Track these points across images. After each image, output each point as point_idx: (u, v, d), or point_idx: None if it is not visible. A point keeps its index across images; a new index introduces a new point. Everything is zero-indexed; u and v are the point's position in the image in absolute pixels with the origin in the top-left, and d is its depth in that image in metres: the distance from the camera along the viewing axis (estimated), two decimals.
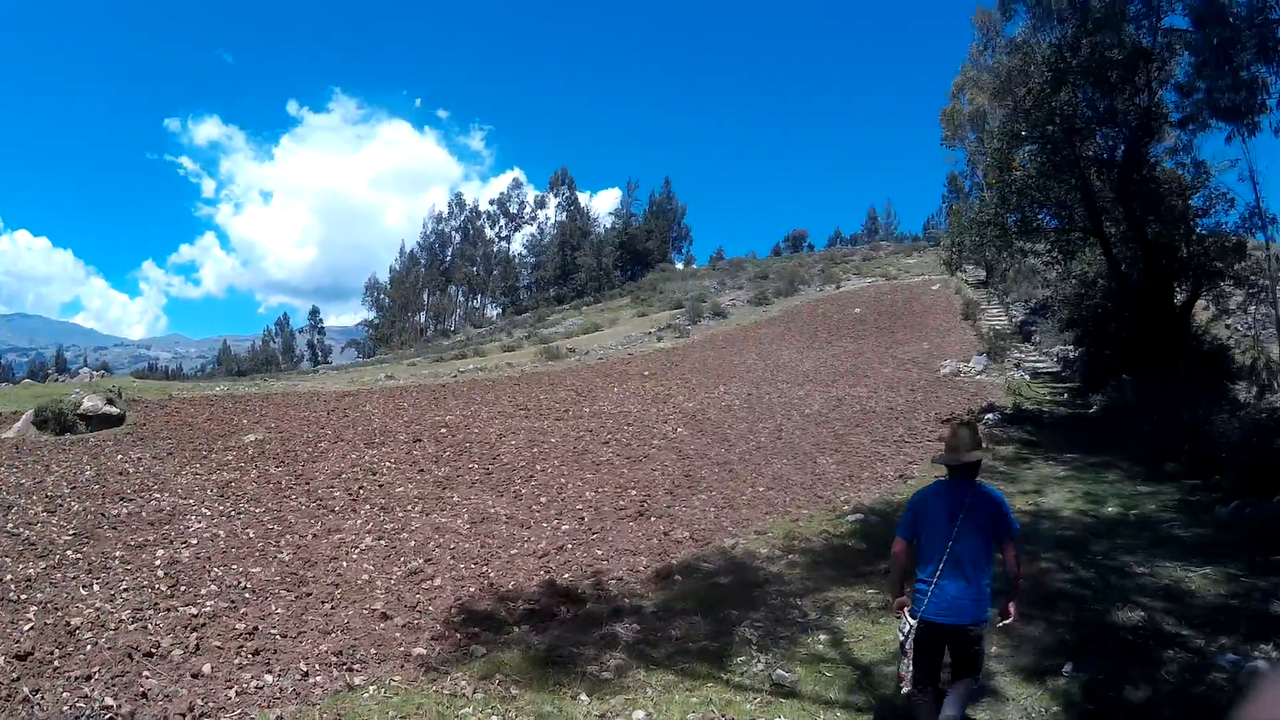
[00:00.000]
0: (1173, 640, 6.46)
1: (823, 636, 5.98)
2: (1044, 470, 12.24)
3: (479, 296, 72.96)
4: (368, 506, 9.31)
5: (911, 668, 3.70)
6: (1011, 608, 3.88)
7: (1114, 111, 14.92)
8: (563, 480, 10.67)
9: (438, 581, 7.10)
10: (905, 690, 3.76)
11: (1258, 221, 15.45)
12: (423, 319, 71.93)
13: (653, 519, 9.06)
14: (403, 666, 5.37)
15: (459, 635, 5.91)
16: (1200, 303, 16.96)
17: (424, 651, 5.61)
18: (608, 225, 66.91)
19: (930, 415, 15.37)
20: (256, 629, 5.87)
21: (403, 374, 23.05)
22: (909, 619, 3.75)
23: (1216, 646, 6.25)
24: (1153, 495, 10.77)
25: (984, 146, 17.59)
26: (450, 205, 77.22)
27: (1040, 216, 16.44)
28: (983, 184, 17.40)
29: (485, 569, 7.44)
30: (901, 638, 3.78)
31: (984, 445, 4.59)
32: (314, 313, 78.64)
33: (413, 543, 8.14)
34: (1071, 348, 21.61)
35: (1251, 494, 9.72)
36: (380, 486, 10.04)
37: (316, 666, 5.30)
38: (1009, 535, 3.79)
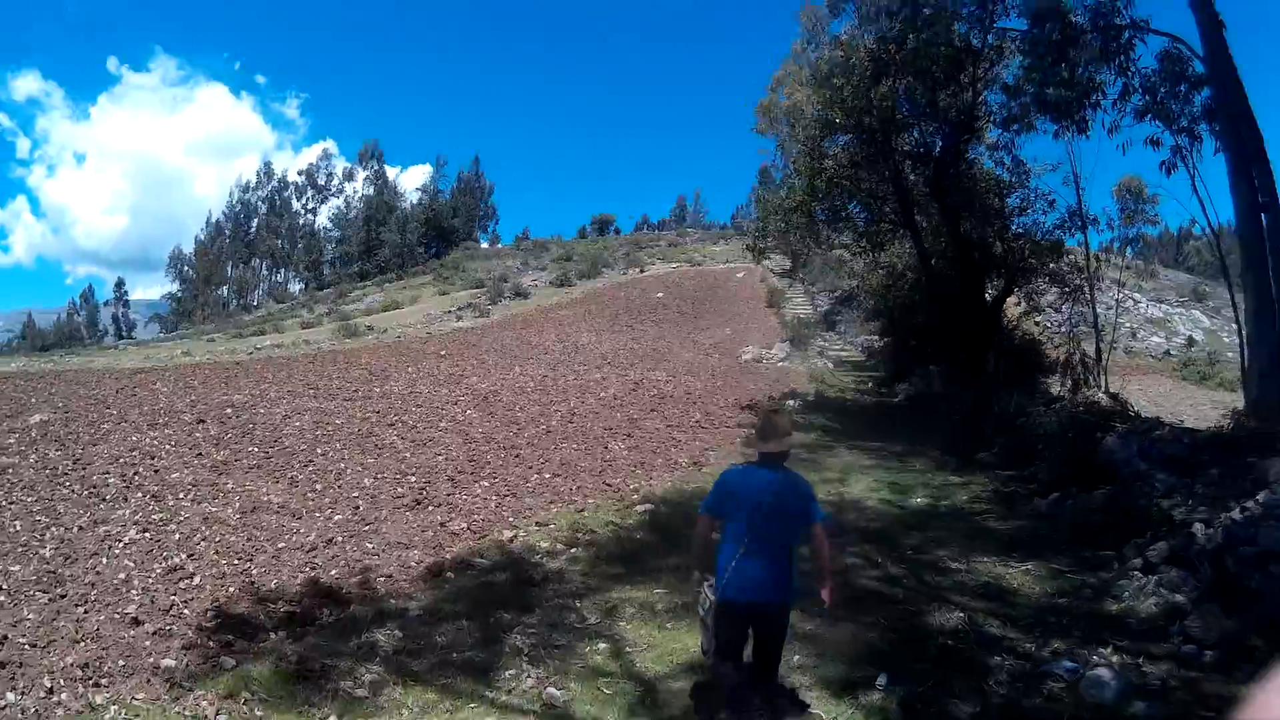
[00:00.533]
0: (999, 645, 6.69)
1: (603, 646, 6.45)
2: (848, 458, 13.77)
3: (283, 271, 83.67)
4: (139, 494, 10.10)
5: (714, 642, 4.47)
6: (825, 592, 4.60)
7: (935, 107, 17.55)
8: (342, 465, 11.91)
9: (197, 580, 7.74)
10: (710, 663, 4.63)
11: (1077, 222, 18.62)
12: (226, 293, 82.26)
13: (430, 508, 10.16)
14: (149, 681, 5.81)
15: (211, 644, 6.37)
16: (1013, 298, 20.08)
17: (172, 663, 6.08)
18: (414, 201, 77.39)
19: (729, 401, 17.72)
20: (6, 638, 6.24)
21: (200, 350, 26.14)
22: (709, 595, 4.50)
23: (1049, 652, 6.54)
24: (964, 486, 12.05)
25: (795, 133, 20.32)
26: (259, 174, 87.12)
27: (850, 207, 19.34)
28: (793, 172, 20.38)
29: (249, 565, 8.15)
30: (702, 613, 4.63)
31: (793, 432, 5.25)
32: (119, 285, 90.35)
33: (178, 535, 8.83)
34: (877, 338, 25.25)
35: (1070, 485, 10.92)
36: (156, 472, 10.96)
37: (62, 682, 5.71)
38: (817, 520, 4.48)
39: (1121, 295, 23.05)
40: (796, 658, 6.00)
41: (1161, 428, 11.99)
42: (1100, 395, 14.97)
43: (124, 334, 78.69)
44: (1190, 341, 40.41)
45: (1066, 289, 18.57)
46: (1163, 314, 45.82)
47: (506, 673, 5.99)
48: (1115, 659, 6.32)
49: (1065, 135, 15.68)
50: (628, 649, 6.37)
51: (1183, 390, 31.52)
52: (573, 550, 8.76)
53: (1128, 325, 36.10)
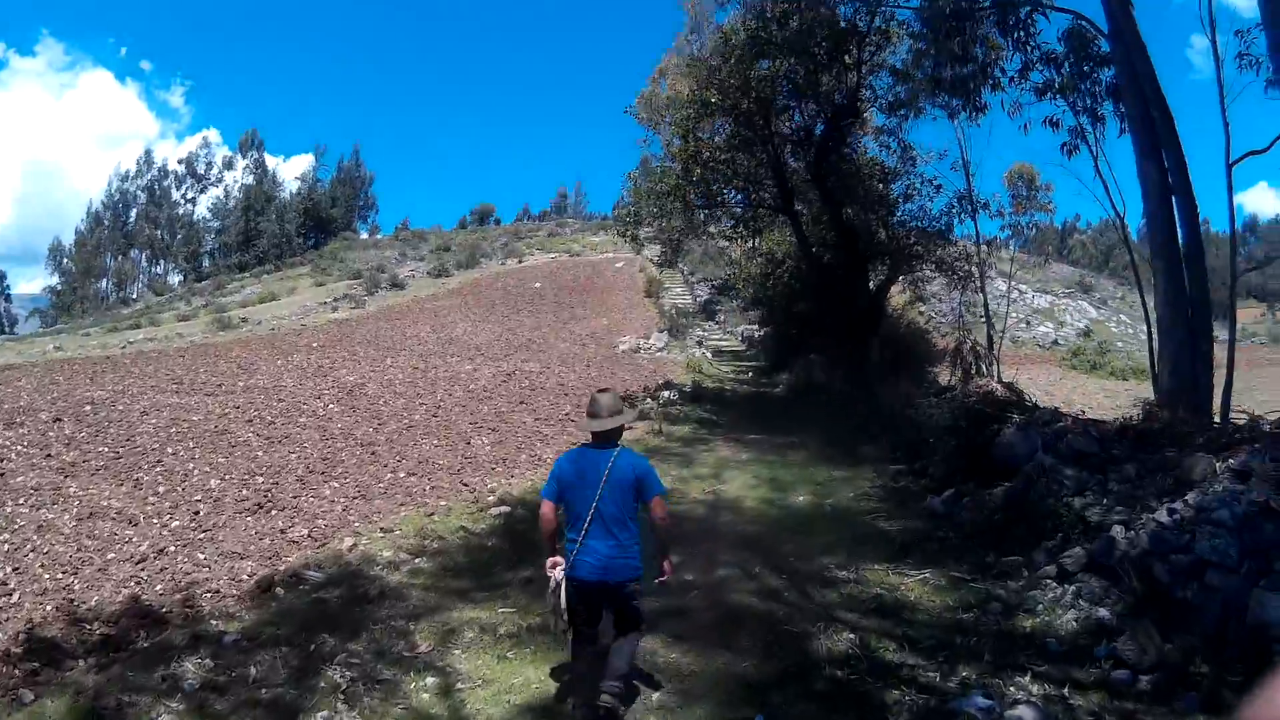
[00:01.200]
0: (898, 674, 5.66)
1: (431, 680, 5.74)
2: (724, 453, 13.18)
3: (162, 262, 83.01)
4: None
5: (566, 623, 4.64)
6: (666, 565, 4.85)
7: (817, 90, 17.23)
8: (191, 465, 11.55)
9: (16, 597, 7.39)
10: (567, 645, 4.85)
11: (966, 207, 18.32)
12: (105, 285, 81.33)
13: (274, 512, 9.80)
14: None
15: (16, 673, 5.88)
16: (897, 287, 20.05)
17: None
18: (294, 191, 77.79)
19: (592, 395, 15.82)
20: None
21: (73, 345, 26.43)
22: (558, 576, 4.62)
23: (957, 682, 5.50)
24: (849, 481, 11.32)
25: (672, 114, 19.49)
26: (139, 163, 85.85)
27: (727, 193, 18.87)
28: (668, 156, 19.62)
29: (73, 580, 7.70)
30: (551, 595, 4.73)
31: (626, 409, 5.16)
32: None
33: (7, 546, 8.42)
34: (756, 327, 25.30)
35: (966, 482, 10.12)
36: (1, 476, 10.57)
37: None
38: (654, 493, 4.66)
39: (1009, 285, 22.89)
40: (658, 696, 5.35)
41: (1063, 419, 11.14)
42: (994, 385, 14.24)
43: (4, 329, 75.97)
44: (1088, 331, 41.62)
45: (955, 276, 18.30)
46: (1049, 304, 47.23)
47: (317, 716, 5.30)
48: (1036, 689, 5.37)
49: (962, 116, 15.04)
50: (459, 685, 5.74)
51: (1072, 379, 32.32)
52: (417, 560, 8.17)
53: (1015, 315, 36.90)
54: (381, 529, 9.01)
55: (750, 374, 22.63)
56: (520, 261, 46.41)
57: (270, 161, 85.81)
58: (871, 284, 18.41)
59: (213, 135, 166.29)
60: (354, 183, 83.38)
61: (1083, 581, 6.88)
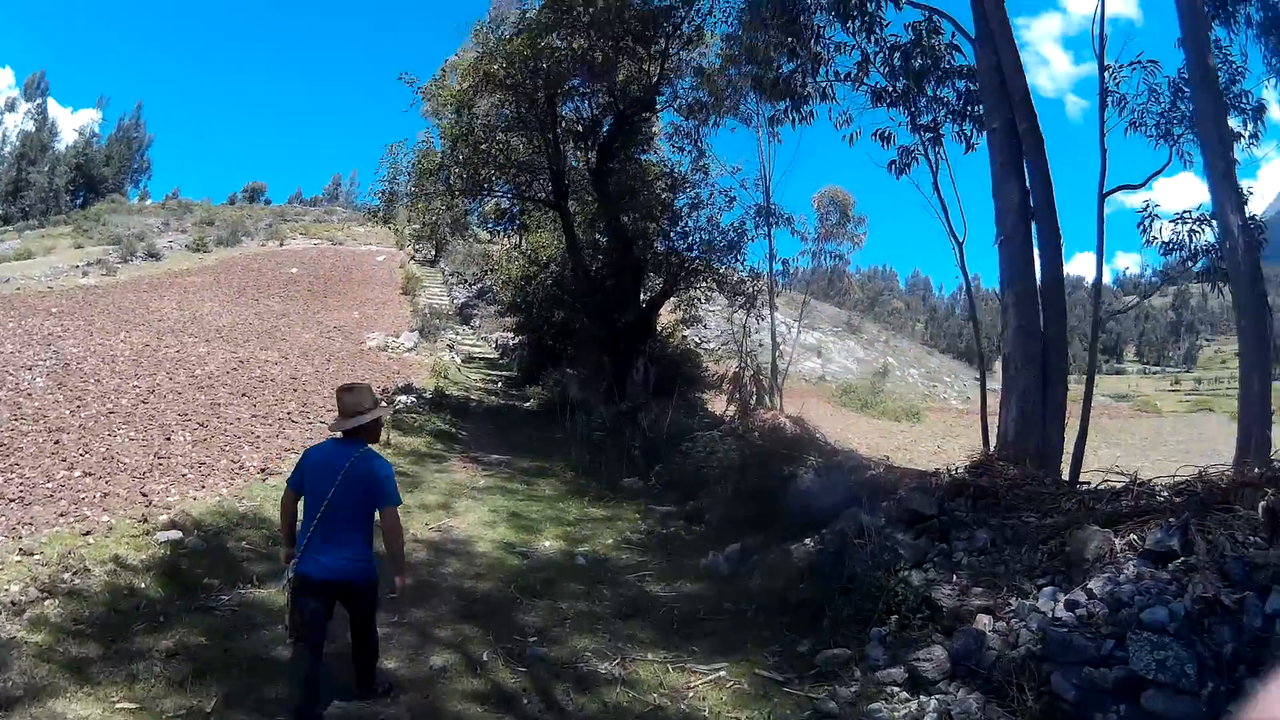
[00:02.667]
0: None
1: None
2: (460, 475, 11.34)
3: None
4: None
5: (292, 615, 4.42)
6: (398, 581, 4.63)
7: (614, 77, 15.74)
8: None
9: None
10: (287, 640, 4.63)
11: (762, 223, 17.30)
12: None
13: None
14: None
15: None
16: (670, 304, 18.54)
17: None
18: (70, 143, 73.66)
19: (336, 391, 13.80)
20: None
21: None
22: (290, 570, 4.45)
23: None
24: (608, 523, 9.30)
25: (441, 86, 17.02)
26: None
27: (497, 180, 17.23)
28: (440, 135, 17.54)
29: None
30: (284, 590, 4.57)
31: (378, 406, 4.98)
32: None
33: None
34: (512, 334, 24.15)
35: (754, 534, 8.24)
36: None
37: None
38: (386, 503, 4.50)
39: (777, 318, 22.08)
40: None
41: (873, 466, 9.38)
42: (781, 418, 12.58)
43: None
44: (885, 371, 42.33)
45: (739, 297, 16.95)
46: (816, 340, 48.41)
47: None
48: None
49: (765, 126, 13.31)
50: None
51: (843, 416, 32.30)
52: (46, 604, 6.01)
53: (786, 348, 37.23)
54: (21, 550, 6.98)
55: (501, 384, 21.24)
56: (281, 244, 45.82)
57: (55, 110, 79.32)
58: (643, 297, 16.85)
59: (5, 74, 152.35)
60: (131, 143, 79.37)
61: (948, 693, 4.94)
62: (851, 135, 12.00)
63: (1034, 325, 8.22)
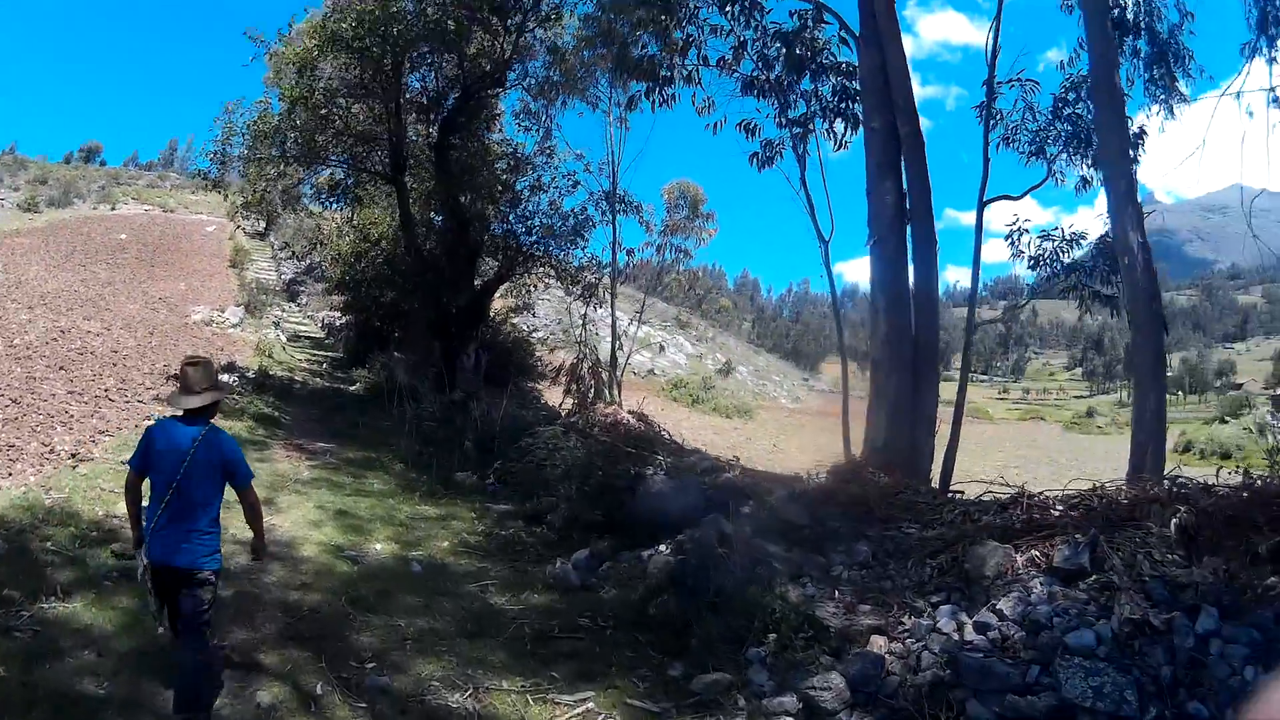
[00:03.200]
0: None
1: None
2: (283, 465, 10.18)
3: None
4: None
5: (155, 605, 4.26)
6: (260, 543, 4.59)
7: (465, 49, 14.92)
8: None
9: None
10: (160, 630, 4.44)
11: (606, 209, 16.42)
12: None
13: None
14: None
15: None
16: (502, 290, 17.74)
17: None
18: None
19: (156, 367, 15.34)
20: None
21: None
22: (143, 558, 4.26)
23: None
24: (443, 522, 8.36)
25: (287, 43, 15.52)
26: None
27: (335, 152, 16.17)
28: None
29: None
30: (139, 578, 4.34)
31: (219, 383, 5.03)
32: None
33: None
34: (340, 314, 22.98)
35: (599, 537, 7.61)
36: None
37: None
38: (245, 481, 4.38)
39: (610, 311, 21.38)
40: None
41: (729, 468, 8.80)
42: (623, 414, 11.82)
43: None
44: (728, 366, 41.98)
45: (577, 286, 16.13)
46: (644, 334, 47.50)
47: None
48: None
49: (616, 110, 12.65)
50: None
51: (675, 411, 31.72)
52: None
53: (625, 340, 36.82)
54: None
55: (326, 366, 19.76)
56: (113, 208, 44.56)
57: None
58: (478, 281, 16.01)
59: None
60: None
61: None
62: (716, 124, 11.58)
63: (906, 330, 8.01)
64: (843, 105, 10.82)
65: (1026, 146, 10.22)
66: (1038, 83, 10.08)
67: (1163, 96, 10.50)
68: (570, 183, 15.97)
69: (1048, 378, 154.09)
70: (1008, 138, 10.23)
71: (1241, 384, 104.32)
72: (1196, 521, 4.73)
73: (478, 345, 15.33)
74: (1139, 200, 7.69)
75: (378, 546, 6.99)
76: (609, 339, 18.43)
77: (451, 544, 7.49)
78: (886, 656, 4.68)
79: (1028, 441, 43.49)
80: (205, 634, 4.28)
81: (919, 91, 10.11)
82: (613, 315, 15.80)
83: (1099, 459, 31.73)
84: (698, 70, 11.38)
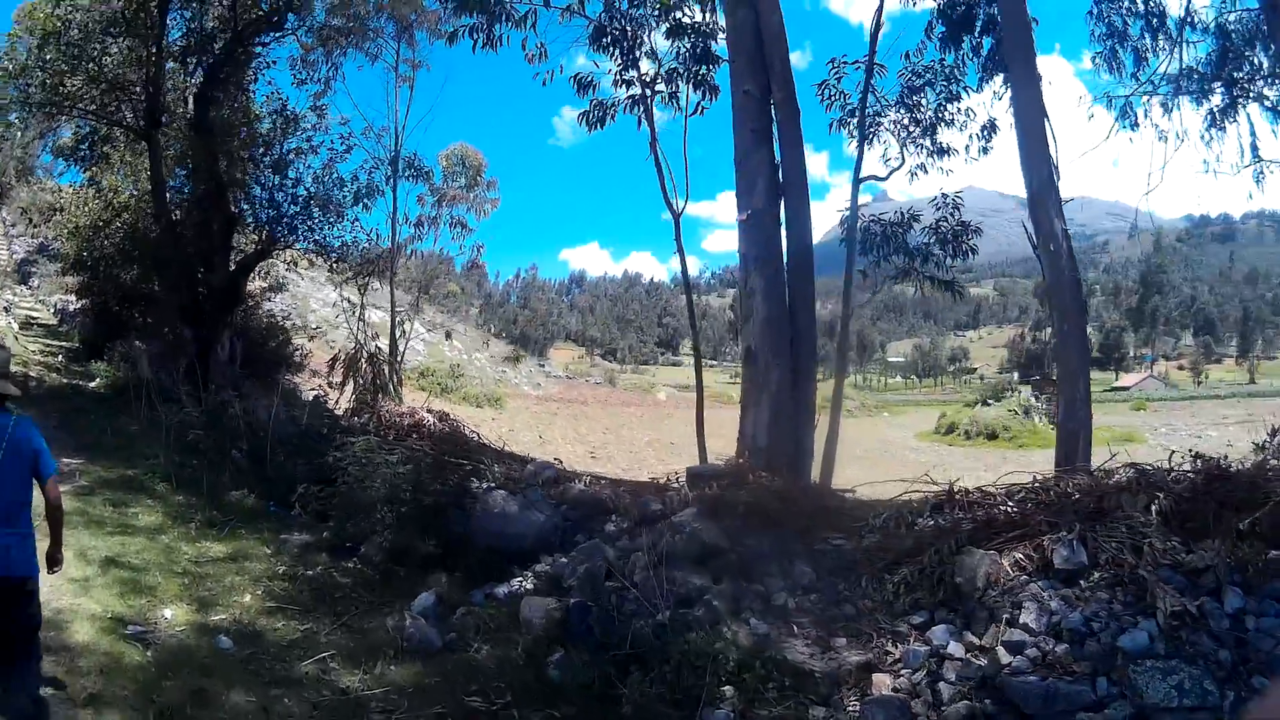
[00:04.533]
0: None
1: None
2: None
3: None
4: None
5: None
6: (59, 555, 3.96)
7: None
8: None
9: None
10: None
11: (386, 175, 14.38)
12: None
13: None
14: None
15: None
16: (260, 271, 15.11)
17: None
18: None
19: None
20: None
21: None
22: None
23: None
24: (236, 565, 6.34)
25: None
26: None
27: (85, 99, 13.18)
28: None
29: None
30: None
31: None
32: None
33: None
34: (75, 297, 19.17)
35: (433, 571, 6.17)
36: None
37: None
38: (50, 472, 3.88)
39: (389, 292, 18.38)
40: None
41: (576, 478, 7.56)
42: (423, 413, 10.04)
43: None
44: (517, 357, 39.21)
45: (343, 264, 13.95)
46: (382, 319, 44.92)
47: None
48: None
49: (396, 68, 11.01)
50: None
51: (421, 400, 29.38)
52: None
53: (352, 327, 33.67)
54: None
55: (62, 358, 16.18)
56: None
57: None
58: (234, 259, 13.51)
59: None
60: None
61: None
62: (547, 74, 10.30)
63: (784, 315, 7.16)
64: (699, 69, 9.97)
65: (858, 131, 10.03)
66: (884, 66, 10.08)
67: None
68: (345, 145, 13.75)
69: None
70: (843, 120, 9.97)
71: (975, 368, 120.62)
72: (1176, 506, 4.30)
73: (233, 332, 13.04)
74: (1059, 189, 7.47)
75: (168, 613, 5.00)
76: (373, 325, 16.11)
77: (256, 597, 5.60)
78: (900, 697, 3.76)
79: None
80: (39, 667, 3.77)
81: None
82: (392, 297, 13.56)
83: (911, 447, 33.58)
84: (535, 12, 10.00)
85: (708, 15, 10.17)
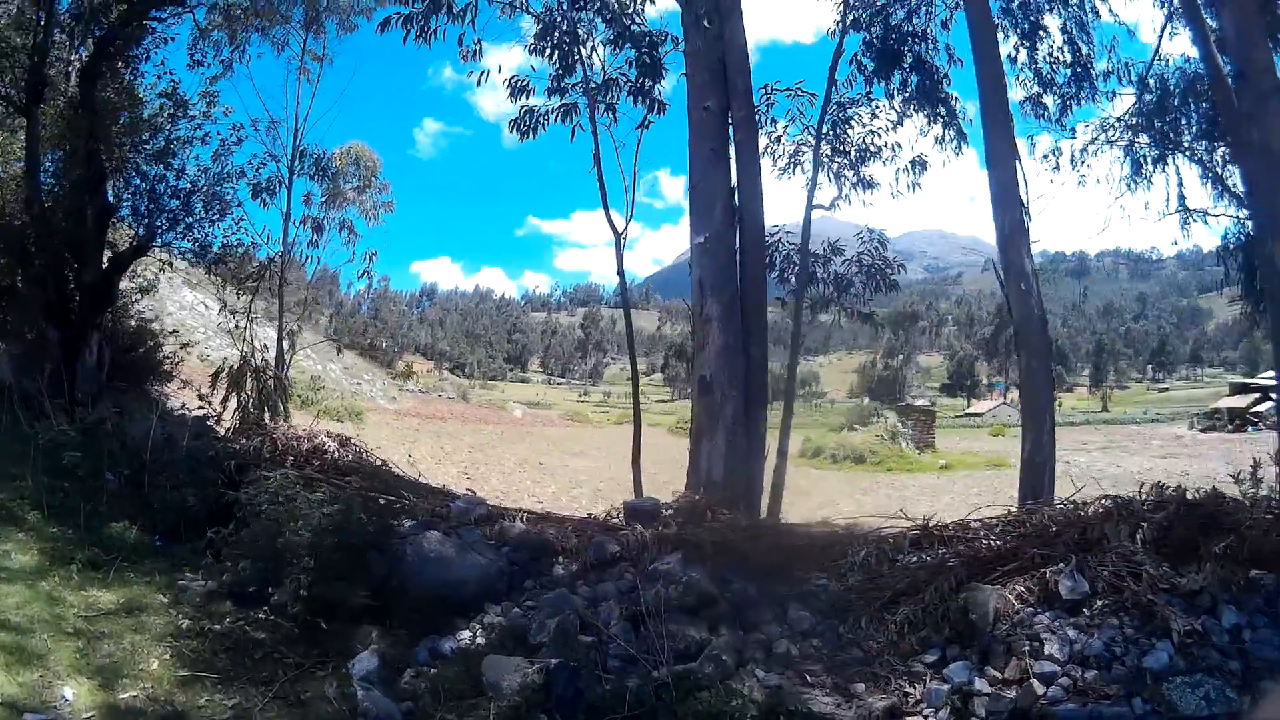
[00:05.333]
0: None
1: None
2: None
3: None
4: None
5: None
6: None
7: None
8: None
9: None
10: None
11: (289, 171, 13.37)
12: None
13: None
14: None
15: None
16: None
17: None
18: None
19: None
20: None
21: None
22: None
23: None
24: (134, 620, 5.59)
25: None
26: None
27: None
28: None
29: None
30: None
31: None
32: None
33: None
34: None
35: (365, 624, 5.67)
36: None
37: None
38: None
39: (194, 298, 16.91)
40: None
41: (511, 515, 7.22)
42: (323, 437, 9.30)
43: None
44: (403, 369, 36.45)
45: (225, 265, 13.12)
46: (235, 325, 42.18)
47: None
48: None
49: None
50: None
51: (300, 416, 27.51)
52: None
53: (203, 330, 30.51)
54: None
55: None
56: None
57: None
58: (108, 255, 12.41)
59: None
60: None
61: None
62: (482, 74, 10.05)
63: (739, 343, 7.17)
64: (644, 81, 9.92)
65: (787, 161, 10.41)
66: (815, 94, 10.38)
67: None
68: (236, 137, 13.07)
69: (625, 381, 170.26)
70: (769, 147, 10.33)
71: (826, 393, 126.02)
72: (1158, 534, 4.75)
73: (101, 335, 11.99)
74: (1027, 226, 7.90)
75: (68, 691, 4.20)
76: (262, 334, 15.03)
77: (165, 663, 4.83)
78: None
79: (655, 445, 46.48)
80: None
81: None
82: (280, 305, 12.64)
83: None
84: (474, 6, 9.82)
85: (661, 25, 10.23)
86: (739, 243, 7.75)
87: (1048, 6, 11.36)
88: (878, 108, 11.28)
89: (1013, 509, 5.84)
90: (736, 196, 7.90)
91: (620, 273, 11.31)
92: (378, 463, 9.26)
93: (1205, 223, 10.53)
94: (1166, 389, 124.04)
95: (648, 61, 10.06)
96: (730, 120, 7.99)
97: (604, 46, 10.23)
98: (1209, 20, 8.85)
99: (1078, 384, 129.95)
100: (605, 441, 44.63)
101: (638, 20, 10.20)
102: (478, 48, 10.17)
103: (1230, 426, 49.19)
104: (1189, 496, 5.01)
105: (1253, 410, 53.89)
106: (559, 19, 9.95)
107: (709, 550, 5.67)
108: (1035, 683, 3.97)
